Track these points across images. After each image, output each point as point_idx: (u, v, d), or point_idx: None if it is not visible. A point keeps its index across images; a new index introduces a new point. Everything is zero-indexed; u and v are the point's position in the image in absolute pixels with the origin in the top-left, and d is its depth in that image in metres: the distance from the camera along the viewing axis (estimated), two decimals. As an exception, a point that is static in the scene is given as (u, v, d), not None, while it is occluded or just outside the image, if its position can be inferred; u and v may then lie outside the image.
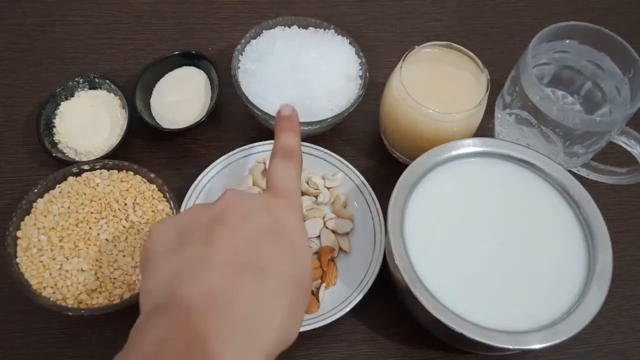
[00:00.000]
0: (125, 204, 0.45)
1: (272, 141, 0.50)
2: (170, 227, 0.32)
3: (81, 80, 0.53)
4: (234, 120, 0.55)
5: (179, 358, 0.25)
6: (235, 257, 0.29)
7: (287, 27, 0.54)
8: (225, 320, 0.27)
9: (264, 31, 0.54)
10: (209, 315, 0.27)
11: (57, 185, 0.46)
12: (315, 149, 0.51)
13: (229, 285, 0.28)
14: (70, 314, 0.41)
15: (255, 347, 0.27)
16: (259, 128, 0.54)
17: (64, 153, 0.50)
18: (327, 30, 0.54)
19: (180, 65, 0.55)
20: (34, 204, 0.45)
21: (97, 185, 0.46)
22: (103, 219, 0.44)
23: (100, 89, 0.53)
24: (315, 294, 0.45)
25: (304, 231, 0.33)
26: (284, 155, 0.37)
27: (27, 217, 0.44)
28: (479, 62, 0.48)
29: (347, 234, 0.48)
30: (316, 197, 0.50)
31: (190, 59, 0.55)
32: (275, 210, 0.33)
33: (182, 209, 0.47)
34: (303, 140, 0.51)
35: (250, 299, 0.28)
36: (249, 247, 0.30)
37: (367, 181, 0.49)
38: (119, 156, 0.48)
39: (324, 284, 0.45)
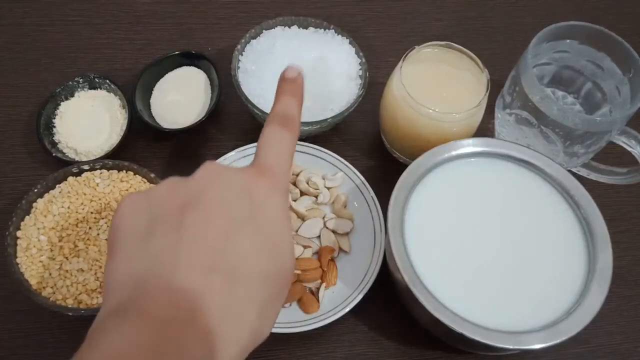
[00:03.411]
0: (125, 204, 0.45)
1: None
2: (140, 204, 0.29)
3: (81, 80, 0.53)
4: (234, 120, 0.55)
5: None
6: (206, 256, 0.26)
7: (287, 27, 0.54)
8: (189, 332, 0.24)
9: (264, 31, 0.54)
10: (171, 325, 0.24)
11: (57, 185, 0.46)
12: (315, 149, 0.51)
13: (196, 293, 0.25)
14: (70, 314, 0.41)
15: (221, 357, 0.25)
16: (259, 128, 0.53)
17: (64, 153, 0.50)
18: (327, 30, 0.54)
19: (180, 65, 0.55)
20: (34, 204, 0.44)
21: (97, 185, 0.46)
22: (103, 219, 0.44)
23: (100, 88, 0.53)
24: (315, 294, 0.45)
25: (286, 219, 0.29)
26: (281, 122, 0.33)
27: (27, 217, 0.44)
28: (479, 62, 0.48)
29: (347, 234, 0.48)
30: (316, 197, 0.50)
31: (190, 58, 0.55)
32: (256, 191, 0.29)
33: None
34: (303, 140, 0.51)
35: (218, 307, 0.25)
36: (221, 242, 0.27)
37: (367, 181, 0.49)
38: (119, 156, 0.48)
39: (324, 284, 0.45)
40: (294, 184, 0.50)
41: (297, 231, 0.48)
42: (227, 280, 0.26)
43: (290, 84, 0.35)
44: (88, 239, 0.43)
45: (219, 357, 0.25)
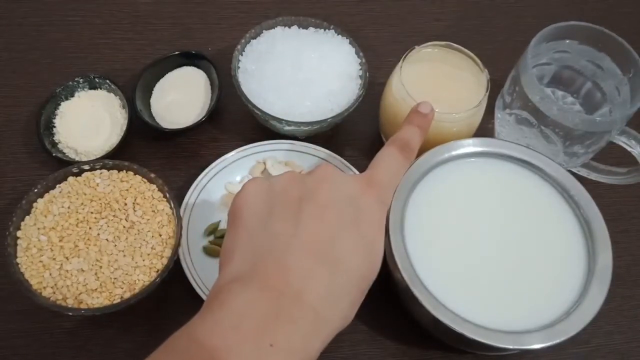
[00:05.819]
0: (125, 204, 0.45)
1: (272, 141, 0.51)
2: (262, 191, 0.34)
3: (81, 80, 0.53)
4: (234, 120, 0.55)
5: (255, 334, 0.27)
6: (316, 246, 0.31)
7: (287, 27, 0.54)
8: (296, 307, 0.29)
9: (264, 31, 0.54)
10: (283, 298, 0.29)
11: (57, 185, 0.46)
12: (315, 149, 0.51)
13: (304, 276, 0.30)
14: (70, 314, 0.41)
15: (317, 336, 0.29)
16: (259, 128, 0.54)
17: (64, 153, 0.50)
18: (327, 30, 0.54)
19: (180, 65, 0.55)
20: (34, 204, 0.44)
21: (97, 185, 0.46)
22: (103, 219, 0.44)
23: (101, 89, 0.53)
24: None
25: (382, 229, 0.34)
26: (400, 147, 0.37)
27: (27, 217, 0.44)
28: (479, 62, 0.48)
29: (347, 234, 0.48)
30: (316, 197, 0.50)
31: (190, 59, 0.55)
32: (364, 199, 0.34)
33: (182, 209, 0.47)
34: (303, 140, 0.51)
35: (320, 292, 0.30)
36: (330, 237, 0.31)
37: (367, 181, 0.49)
38: (119, 156, 0.48)
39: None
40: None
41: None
42: (331, 271, 0.30)
43: (421, 117, 0.39)
44: (88, 239, 0.43)
45: (320, 330, 0.30)
